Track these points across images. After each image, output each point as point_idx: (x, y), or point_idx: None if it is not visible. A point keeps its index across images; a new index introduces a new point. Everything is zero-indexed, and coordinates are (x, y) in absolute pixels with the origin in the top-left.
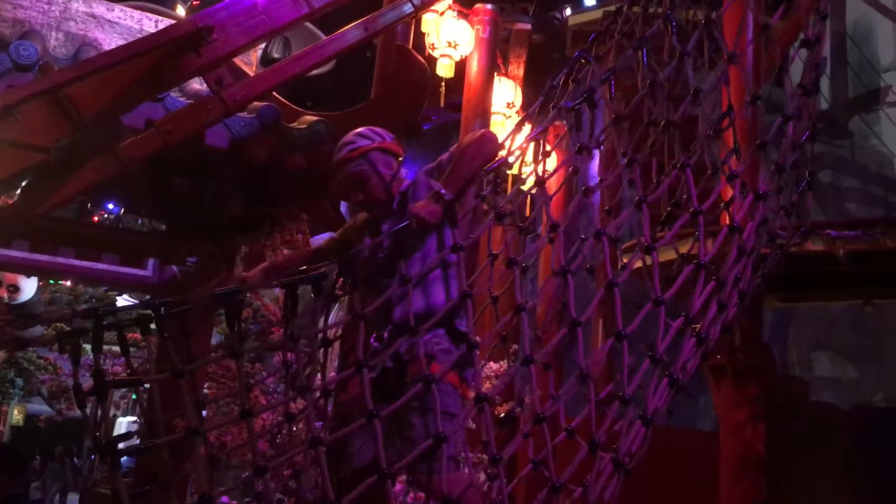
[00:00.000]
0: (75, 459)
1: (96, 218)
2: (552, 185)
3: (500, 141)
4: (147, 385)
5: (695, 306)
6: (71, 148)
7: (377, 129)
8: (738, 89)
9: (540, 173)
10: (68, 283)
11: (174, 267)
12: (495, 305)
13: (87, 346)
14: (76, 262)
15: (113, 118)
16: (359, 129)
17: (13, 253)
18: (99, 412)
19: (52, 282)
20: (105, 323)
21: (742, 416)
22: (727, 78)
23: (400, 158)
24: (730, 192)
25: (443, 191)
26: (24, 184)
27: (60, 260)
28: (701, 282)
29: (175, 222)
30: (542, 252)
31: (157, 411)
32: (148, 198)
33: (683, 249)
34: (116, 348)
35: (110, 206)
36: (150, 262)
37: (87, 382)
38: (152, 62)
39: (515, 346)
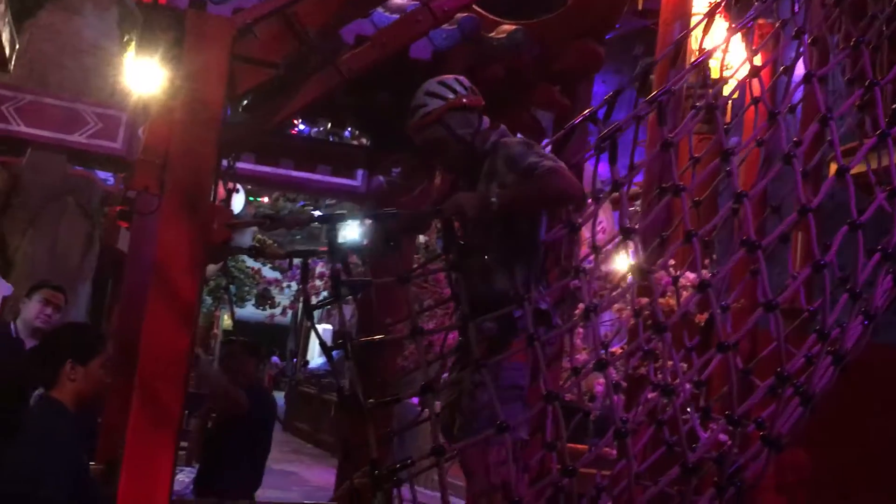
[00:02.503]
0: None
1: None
2: (758, 88)
3: (575, 192)
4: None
5: None
6: (298, 63)
7: (448, 81)
8: None
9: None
10: (266, 200)
11: (381, 177)
12: (697, 209)
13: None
14: (294, 173)
15: (332, 33)
16: (429, 85)
17: (242, 165)
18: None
19: (250, 199)
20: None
21: None
22: None
23: (481, 108)
24: None
25: (494, 200)
26: (244, 102)
27: (281, 171)
28: None
29: (379, 135)
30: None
31: (375, 312)
32: (355, 112)
33: None
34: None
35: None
36: (359, 172)
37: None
38: None
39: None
